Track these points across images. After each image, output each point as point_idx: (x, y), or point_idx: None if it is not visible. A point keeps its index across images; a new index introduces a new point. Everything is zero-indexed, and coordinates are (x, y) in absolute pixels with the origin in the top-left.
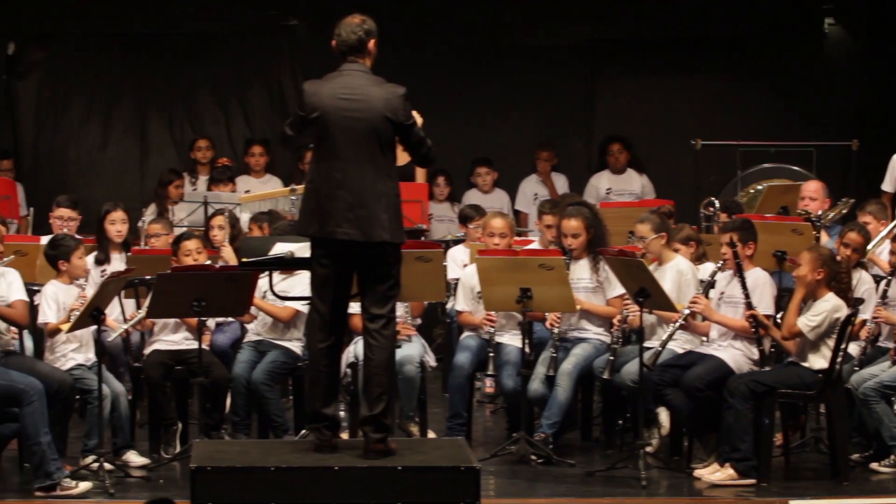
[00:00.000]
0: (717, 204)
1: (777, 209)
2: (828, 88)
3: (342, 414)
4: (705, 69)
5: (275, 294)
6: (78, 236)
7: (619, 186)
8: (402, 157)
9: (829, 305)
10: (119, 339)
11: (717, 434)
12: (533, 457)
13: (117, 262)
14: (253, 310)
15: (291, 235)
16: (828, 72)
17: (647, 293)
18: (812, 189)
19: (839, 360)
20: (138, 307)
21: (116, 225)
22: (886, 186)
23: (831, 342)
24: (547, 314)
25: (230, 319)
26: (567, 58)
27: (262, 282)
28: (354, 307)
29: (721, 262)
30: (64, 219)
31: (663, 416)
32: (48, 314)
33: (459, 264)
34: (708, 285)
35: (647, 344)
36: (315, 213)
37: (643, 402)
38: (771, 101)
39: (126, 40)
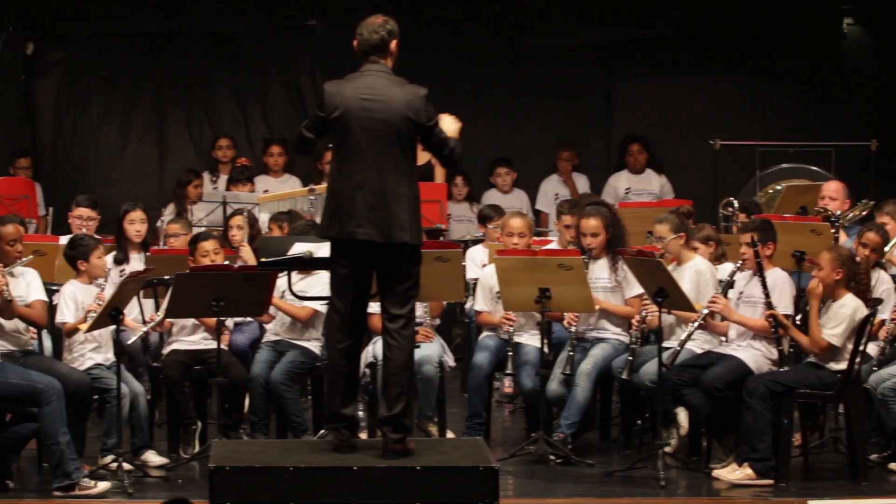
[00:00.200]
0: (736, 204)
1: (796, 209)
2: (847, 89)
3: (361, 414)
4: (724, 69)
5: (293, 294)
6: (97, 236)
7: (638, 186)
8: (421, 157)
9: (849, 309)
10: (138, 339)
11: (736, 434)
12: (552, 457)
13: (136, 262)
14: (272, 309)
15: (310, 235)
16: (847, 72)
17: (666, 293)
18: (833, 189)
19: (858, 360)
20: (157, 307)
21: (135, 225)
22: None
23: (850, 343)
24: (565, 314)
25: (249, 319)
26: (586, 58)
27: (281, 281)
28: (374, 307)
29: (740, 261)
30: (83, 218)
31: (682, 416)
32: (66, 314)
33: (478, 264)
34: (727, 285)
35: (665, 344)
36: (335, 214)
37: (662, 402)
38: (790, 101)
39: (145, 40)
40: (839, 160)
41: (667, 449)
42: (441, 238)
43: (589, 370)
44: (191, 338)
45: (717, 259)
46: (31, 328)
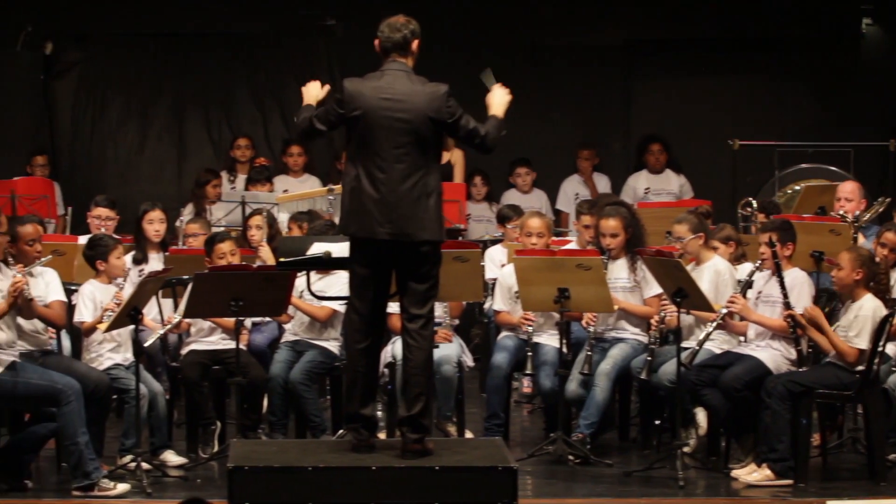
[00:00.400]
0: (755, 204)
1: (815, 210)
2: (865, 89)
3: (380, 414)
4: (743, 69)
5: (312, 294)
6: (116, 236)
7: (657, 186)
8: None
9: (869, 310)
10: (157, 339)
11: (755, 434)
12: (570, 457)
13: (155, 262)
14: (290, 309)
15: (328, 235)
16: (865, 72)
17: (685, 293)
18: (848, 190)
19: (877, 360)
20: (176, 307)
21: (154, 224)
22: None
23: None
24: (583, 314)
25: (267, 319)
26: (605, 58)
27: (300, 281)
28: (393, 307)
29: (759, 261)
30: (102, 218)
31: (701, 416)
32: (84, 313)
33: (497, 264)
34: (745, 285)
35: (684, 344)
36: (355, 213)
37: (680, 403)
38: (808, 101)
39: (163, 40)
40: (858, 160)
41: (685, 449)
42: (460, 238)
43: (608, 370)
44: (209, 338)
45: (737, 259)
46: (50, 328)
